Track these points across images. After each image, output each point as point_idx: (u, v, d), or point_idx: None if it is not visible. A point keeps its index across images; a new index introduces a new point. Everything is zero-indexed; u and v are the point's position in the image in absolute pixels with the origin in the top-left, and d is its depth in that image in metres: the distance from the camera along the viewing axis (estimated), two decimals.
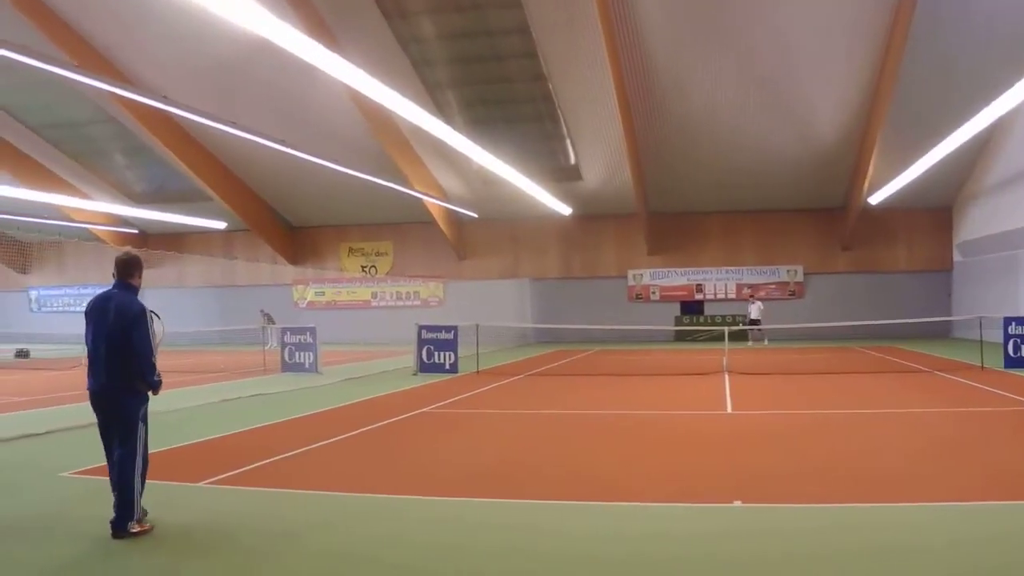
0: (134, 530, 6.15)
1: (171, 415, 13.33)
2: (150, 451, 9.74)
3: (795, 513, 6.80)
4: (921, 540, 5.97)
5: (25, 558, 5.83)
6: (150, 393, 6.50)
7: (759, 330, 31.20)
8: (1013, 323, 19.07)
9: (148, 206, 34.42)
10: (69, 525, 6.72)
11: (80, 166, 34.92)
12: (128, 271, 6.58)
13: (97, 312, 6.44)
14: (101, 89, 18.04)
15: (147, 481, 8.18)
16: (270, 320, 31.45)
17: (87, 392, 6.46)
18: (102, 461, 9.03)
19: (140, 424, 6.43)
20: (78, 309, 38.21)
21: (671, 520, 6.71)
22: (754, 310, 31.93)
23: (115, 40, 26.09)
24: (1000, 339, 19.20)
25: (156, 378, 6.42)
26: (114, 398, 6.35)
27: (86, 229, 37.74)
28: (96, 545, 6.09)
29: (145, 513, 6.38)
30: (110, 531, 6.10)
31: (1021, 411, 12.44)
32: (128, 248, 6.87)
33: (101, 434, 6.54)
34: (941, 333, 33.03)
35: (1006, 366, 18.55)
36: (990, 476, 8.01)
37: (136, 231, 39.99)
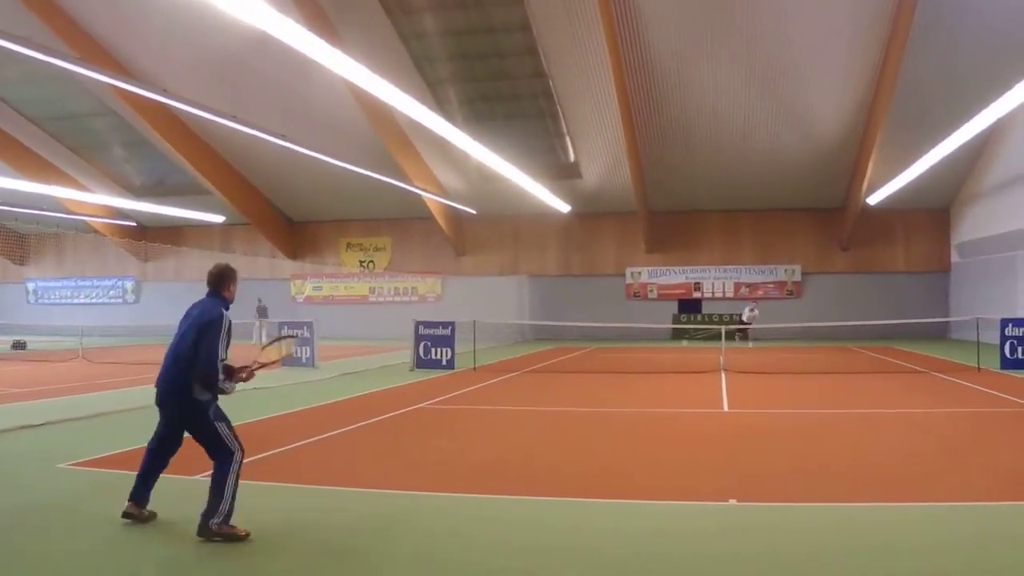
0: (221, 529, 5.92)
1: None
2: (145, 443, 9.82)
3: (790, 512, 6.82)
4: (917, 539, 5.99)
5: (27, 549, 5.84)
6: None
7: (746, 332, 31.03)
8: (1010, 324, 19.10)
9: (147, 199, 34.34)
10: (68, 516, 6.71)
11: (79, 158, 34.89)
12: (218, 282, 6.56)
13: (184, 317, 6.49)
14: (101, 81, 18.07)
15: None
16: (263, 314, 31.32)
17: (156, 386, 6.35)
18: (99, 453, 9.16)
19: (218, 424, 6.22)
20: (76, 301, 38.20)
21: (667, 517, 6.73)
22: (746, 312, 31.84)
23: (116, 33, 26.05)
24: (997, 340, 19.24)
25: (225, 385, 6.28)
26: (175, 403, 6.24)
27: (84, 221, 37.66)
28: (97, 535, 6.10)
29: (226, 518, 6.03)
30: (196, 529, 5.94)
31: (1017, 412, 12.47)
32: (219, 262, 6.79)
33: (161, 427, 6.49)
34: (938, 334, 33.06)
35: (1002, 367, 18.59)
36: (987, 476, 8.05)
37: (134, 224, 39.96)
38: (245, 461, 8.82)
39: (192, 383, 6.09)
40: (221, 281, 6.55)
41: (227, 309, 6.42)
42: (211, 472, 6.14)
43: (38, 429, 11.02)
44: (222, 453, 6.14)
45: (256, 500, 7.26)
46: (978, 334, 20.52)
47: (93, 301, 42.34)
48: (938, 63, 23.66)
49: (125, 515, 6.28)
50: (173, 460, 8.97)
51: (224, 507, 5.92)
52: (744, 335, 30.77)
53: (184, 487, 7.70)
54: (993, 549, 5.72)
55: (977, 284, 30.94)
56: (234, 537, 5.90)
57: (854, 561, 5.50)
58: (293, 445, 9.80)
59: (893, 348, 27.27)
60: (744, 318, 31.55)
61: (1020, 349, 18.82)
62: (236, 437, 6.27)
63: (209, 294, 6.53)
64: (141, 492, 6.43)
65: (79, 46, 24.38)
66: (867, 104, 26.39)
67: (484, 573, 5.42)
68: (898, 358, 23.47)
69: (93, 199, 34.38)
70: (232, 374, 6.42)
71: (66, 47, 23.18)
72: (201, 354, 6.08)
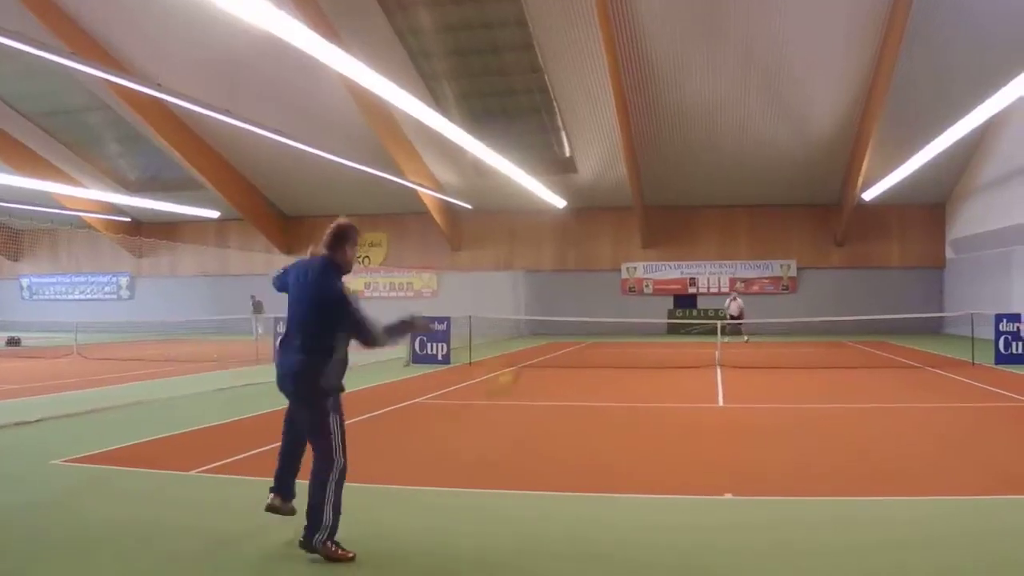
0: (326, 548, 5.35)
1: (162, 403, 13.36)
2: (144, 439, 9.84)
3: (786, 506, 6.83)
4: (914, 534, 6.00)
5: (22, 546, 5.83)
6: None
7: (740, 326, 30.90)
8: (1004, 320, 19.19)
9: (142, 194, 34.28)
10: (63, 513, 6.70)
11: (74, 154, 34.81)
12: (334, 242, 5.79)
13: (295, 278, 5.72)
14: (96, 76, 17.98)
15: (141, 469, 8.24)
16: (259, 309, 31.32)
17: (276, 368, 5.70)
18: (94, 449, 9.16)
19: (332, 415, 5.49)
20: (70, 297, 38.11)
21: (662, 511, 6.74)
22: (734, 307, 31.59)
23: (110, 28, 25.98)
24: (991, 336, 19.30)
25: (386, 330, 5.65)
26: (297, 383, 5.55)
27: (79, 217, 37.61)
28: (93, 532, 6.10)
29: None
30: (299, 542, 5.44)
31: (1012, 407, 12.51)
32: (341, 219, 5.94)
33: (288, 426, 6.04)
34: (933, 329, 33.13)
35: (997, 362, 18.68)
36: (983, 471, 8.07)
37: (129, 219, 39.89)
38: (249, 454, 8.93)
39: (317, 363, 5.42)
40: (336, 241, 5.75)
41: (339, 278, 5.64)
42: (309, 480, 5.48)
43: (33, 425, 11.00)
44: (323, 449, 5.45)
45: (252, 496, 7.26)
46: (972, 329, 20.56)
47: (88, 297, 42.25)
48: (933, 59, 23.69)
49: (268, 508, 5.82)
50: (168, 456, 8.97)
51: (328, 520, 5.33)
52: (737, 330, 30.62)
53: (177, 482, 7.71)
54: (990, 544, 5.74)
55: (972, 280, 30.99)
56: (336, 558, 5.33)
57: (851, 555, 5.51)
58: None
59: (888, 343, 27.33)
60: (733, 312, 31.25)
61: (1015, 344, 18.91)
62: (344, 445, 5.52)
63: (322, 257, 5.73)
64: (284, 483, 5.90)
65: (73, 41, 24.32)
66: (862, 100, 26.41)
67: (480, 567, 5.42)
68: (893, 353, 23.51)
69: (87, 195, 34.35)
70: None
71: (60, 42, 23.12)
72: (353, 327, 5.48)
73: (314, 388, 5.45)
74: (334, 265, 5.68)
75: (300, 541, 5.40)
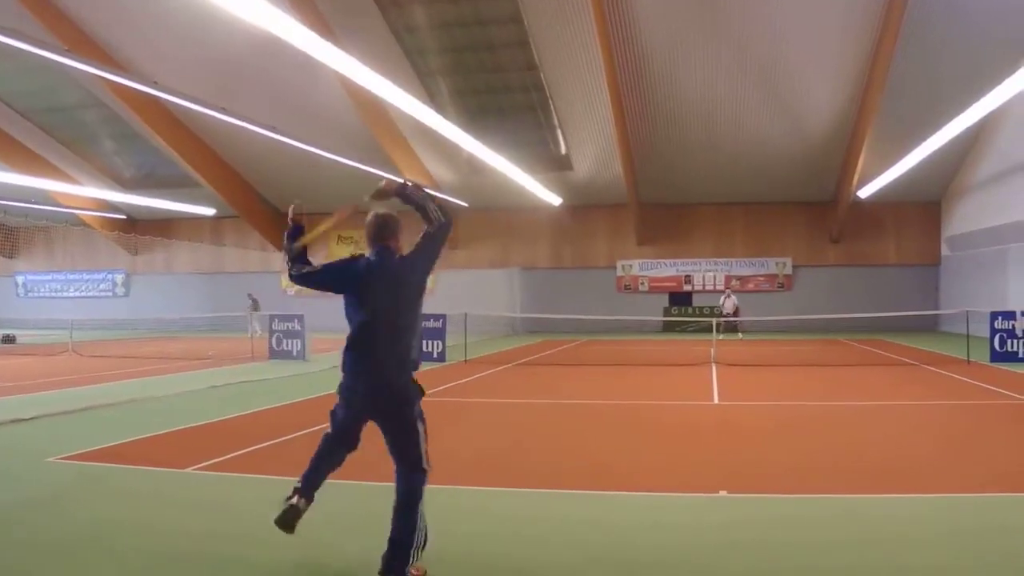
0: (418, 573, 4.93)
1: (157, 401, 13.34)
2: (139, 436, 9.84)
3: (780, 504, 6.83)
4: (910, 531, 6.00)
5: (16, 543, 5.82)
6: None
7: (736, 323, 31.08)
8: (999, 317, 19.23)
9: (137, 192, 34.23)
10: (58, 510, 6.69)
11: (69, 151, 34.72)
12: (383, 233, 5.35)
13: (363, 282, 5.17)
14: (91, 74, 17.97)
15: (136, 467, 8.24)
16: (255, 307, 31.35)
17: (348, 392, 5.16)
18: (89, 447, 9.13)
19: (420, 423, 5.20)
20: (66, 295, 38.05)
21: (656, 509, 6.74)
22: (728, 305, 31.83)
23: (106, 25, 25.90)
24: (987, 333, 19.34)
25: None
26: (393, 390, 5.10)
27: (74, 214, 37.56)
28: (87, 529, 6.09)
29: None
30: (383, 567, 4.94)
31: (1008, 404, 12.53)
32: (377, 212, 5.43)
33: (343, 438, 5.38)
34: (929, 327, 33.16)
35: (992, 360, 18.71)
36: (980, 468, 8.09)
37: (124, 217, 39.78)
38: (244, 452, 8.93)
39: (408, 367, 5.14)
40: (385, 231, 5.34)
41: None
42: (395, 500, 5.06)
43: (28, 423, 10.98)
44: (415, 460, 5.08)
45: (248, 493, 7.26)
46: (968, 327, 20.61)
47: (83, 294, 42.19)
48: (929, 57, 23.70)
49: (290, 512, 5.21)
50: (163, 454, 8.96)
51: (420, 538, 4.95)
52: (733, 328, 30.76)
53: (173, 480, 7.70)
54: (986, 541, 5.75)
55: (967, 277, 31.04)
56: None
57: (846, 552, 5.52)
58: (284, 437, 9.79)
59: (883, 341, 27.36)
60: (728, 310, 31.52)
61: (1010, 342, 18.94)
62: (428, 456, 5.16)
63: (378, 252, 5.26)
64: (314, 488, 5.39)
65: (69, 39, 24.25)
66: (858, 97, 26.42)
67: (473, 565, 5.43)
68: (888, 351, 23.55)
69: (83, 192, 34.29)
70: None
71: (56, 40, 23.06)
72: (417, 324, 5.21)
73: (413, 394, 5.19)
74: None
75: (387, 568, 4.88)
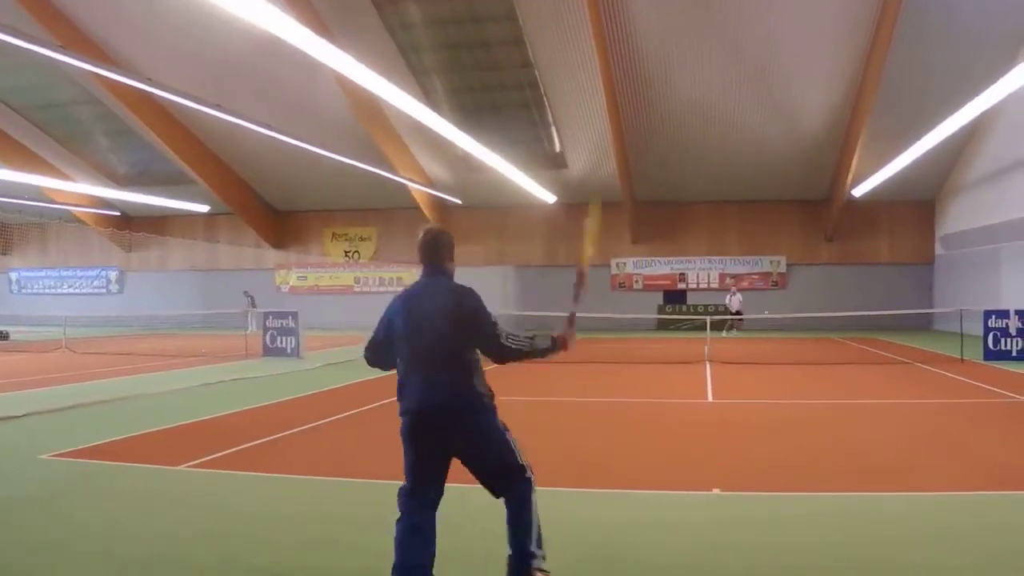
0: None
1: (151, 398, 13.32)
2: (132, 434, 9.81)
3: (774, 501, 6.85)
4: (904, 529, 6.02)
5: (8, 541, 5.81)
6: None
7: (740, 320, 31.30)
8: (993, 316, 19.29)
9: (131, 188, 34.16)
10: (51, 507, 6.67)
11: (63, 147, 34.63)
12: (438, 251, 4.99)
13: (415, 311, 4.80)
14: (85, 70, 17.94)
15: (130, 464, 8.22)
16: (252, 303, 31.36)
17: (407, 412, 4.64)
18: (82, 444, 9.11)
19: (508, 432, 4.87)
20: (59, 291, 37.88)
21: (650, 507, 6.75)
22: (735, 302, 32.02)
23: (100, 21, 25.82)
24: (980, 332, 19.39)
25: (545, 344, 5.06)
26: (461, 416, 4.66)
27: (68, 211, 37.47)
28: (80, 526, 6.08)
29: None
30: None
31: (1001, 403, 12.57)
32: (430, 227, 5.08)
33: (417, 471, 4.68)
34: (922, 325, 33.23)
35: (985, 358, 18.77)
36: (973, 466, 8.13)
37: (118, 213, 39.72)
38: (237, 449, 8.92)
39: (472, 380, 4.72)
40: (443, 250, 5.01)
41: None
42: (506, 514, 4.71)
43: (21, 420, 10.97)
44: (517, 473, 4.74)
45: (241, 491, 7.25)
46: (961, 325, 20.66)
47: (77, 291, 42.08)
48: (923, 56, 23.72)
49: None
50: (156, 451, 8.95)
51: (539, 548, 4.63)
52: (736, 325, 31.11)
53: (165, 477, 7.69)
54: (978, 539, 5.77)
55: (961, 276, 31.09)
56: None
57: (840, 550, 5.53)
58: (278, 435, 9.78)
59: (877, 339, 27.40)
60: (735, 309, 31.78)
61: (1003, 340, 19.01)
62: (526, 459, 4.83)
63: (430, 272, 4.99)
64: None
65: (62, 34, 24.18)
66: (852, 96, 26.44)
67: (465, 562, 5.42)
68: (882, 349, 23.59)
69: (77, 188, 34.18)
70: (570, 322, 5.31)
71: (49, 35, 23.00)
72: (493, 347, 4.74)
73: (480, 403, 4.81)
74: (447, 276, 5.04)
75: None
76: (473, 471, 4.72)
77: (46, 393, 13.85)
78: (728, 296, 32.95)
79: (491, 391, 4.80)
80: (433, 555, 4.54)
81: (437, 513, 4.69)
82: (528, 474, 4.74)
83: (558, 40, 24.83)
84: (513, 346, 4.78)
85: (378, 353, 4.94)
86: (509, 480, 4.69)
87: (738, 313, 31.58)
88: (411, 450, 4.62)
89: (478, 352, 4.74)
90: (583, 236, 5.50)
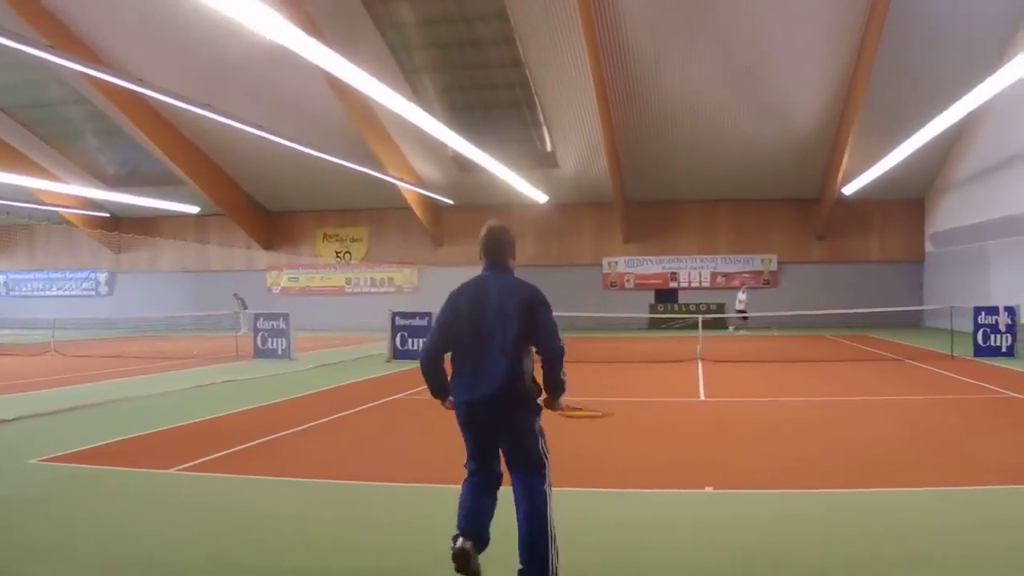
0: None
1: (142, 401, 13.26)
2: (122, 437, 9.77)
3: (767, 499, 6.85)
4: (898, 525, 6.01)
5: (3, 545, 5.79)
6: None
7: (743, 318, 31.38)
8: (983, 313, 19.38)
9: (120, 189, 33.99)
10: (42, 512, 6.63)
11: (52, 148, 34.49)
12: (502, 248, 5.10)
13: (478, 302, 4.91)
14: (75, 70, 17.86)
15: (120, 468, 8.17)
16: (243, 305, 31.28)
17: (461, 404, 4.88)
18: (72, 448, 9.06)
19: (541, 436, 4.97)
20: (48, 294, 37.64)
21: (643, 505, 6.75)
22: (738, 302, 32.10)
23: (89, 20, 25.70)
24: (970, 328, 19.46)
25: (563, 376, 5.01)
26: (514, 407, 4.82)
27: (56, 212, 37.32)
28: (72, 531, 6.04)
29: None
30: None
31: (992, 399, 12.63)
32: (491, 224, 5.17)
33: (477, 453, 5.00)
34: (913, 322, 33.35)
35: (975, 355, 18.86)
36: (964, 462, 8.17)
37: (108, 215, 39.58)
38: (229, 452, 8.87)
39: (523, 377, 4.85)
40: (506, 247, 5.12)
41: None
42: (522, 515, 4.82)
43: (9, 424, 10.89)
44: (540, 471, 4.93)
45: (232, 494, 7.21)
46: (951, 322, 20.75)
47: (66, 293, 41.91)
48: (913, 55, 23.80)
49: (459, 554, 4.77)
50: (147, 454, 8.92)
51: (555, 561, 4.71)
52: (741, 322, 31.35)
53: (156, 481, 7.66)
54: (968, 534, 5.77)
55: (950, 273, 31.22)
56: None
57: (834, 546, 5.53)
58: (270, 437, 9.74)
59: (868, 336, 27.48)
60: (741, 306, 31.96)
61: (993, 337, 19.10)
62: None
63: (492, 267, 5.09)
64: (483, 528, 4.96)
65: (52, 34, 24.05)
66: (843, 95, 26.52)
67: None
68: (873, 346, 23.65)
69: (65, 189, 34.02)
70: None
71: (38, 35, 22.88)
72: (551, 345, 4.88)
73: (527, 396, 4.95)
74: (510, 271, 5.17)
75: None
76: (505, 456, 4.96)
77: (35, 397, 13.77)
78: (740, 293, 33.11)
79: (539, 389, 4.96)
80: (493, 509, 4.97)
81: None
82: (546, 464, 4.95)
83: (549, 39, 24.83)
84: (563, 353, 4.92)
85: (436, 360, 5.01)
86: (526, 465, 4.88)
87: (743, 311, 31.65)
88: (467, 435, 4.96)
89: (532, 351, 4.91)
90: (573, 411, 5.63)
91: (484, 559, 4.79)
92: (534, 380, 4.94)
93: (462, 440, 5.00)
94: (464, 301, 4.93)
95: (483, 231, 5.12)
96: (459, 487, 5.00)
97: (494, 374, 4.72)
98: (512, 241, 5.14)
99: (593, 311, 31.55)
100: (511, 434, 4.86)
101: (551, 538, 4.72)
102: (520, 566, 4.71)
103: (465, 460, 5.02)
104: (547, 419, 4.99)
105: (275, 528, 6.11)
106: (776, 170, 31.88)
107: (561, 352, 4.89)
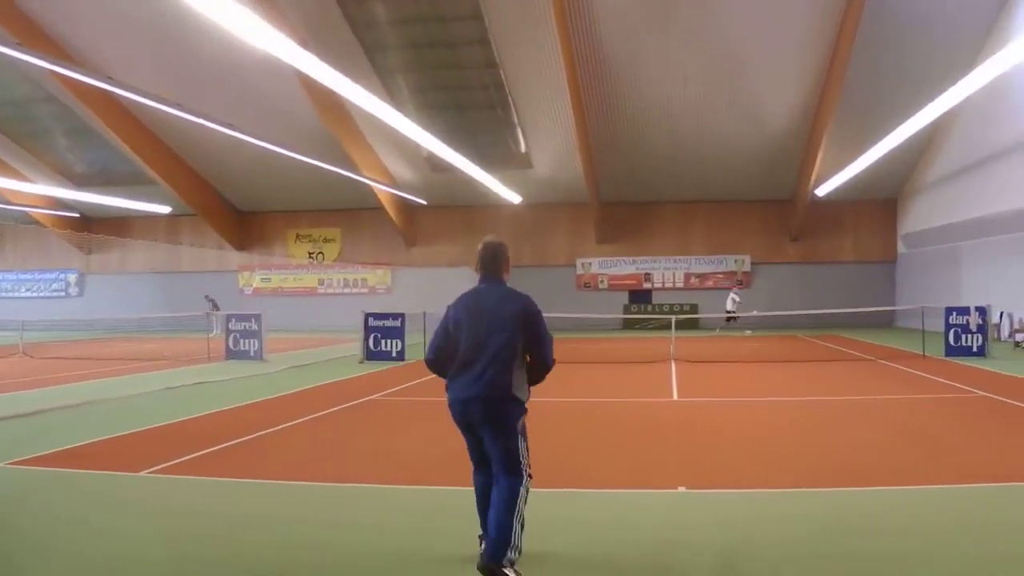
0: (516, 571, 4.93)
1: (112, 403, 13.11)
2: (92, 440, 9.64)
3: (740, 498, 6.85)
4: (871, 523, 6.03)
5: None
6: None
7: (735, 320, 31.36)
8: (954, 313, 19.55)
9: (90, 189, 33.65)
10: (9, 516, 6.54)
11: (19, 147, 34.09)
12: (499, 262, 5.57)
13: (467, 313, 5.35)
14: (44, 68, 17.62)
15: (90, 471, 8.07)
16: (215, 307, 31.06)
17: (455, 402, 5.28)
18: (40, 451, 8.94)
19: (521, 438, 5.34)
20: (17, 295, 37.19)
21: (616, 505, 6.74)
22: (729, 302, 32.18)
23: (58, 17, 25.40)
24: (942, 328, 19.63)
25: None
26: (498, 404, 5.19)
27: (25, 212, 36.89)
28: (39, 536, 5.95)
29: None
30: (482, 561, 4.97)
31: (963, 397, 12.75)
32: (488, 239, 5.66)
33: (474, 449, 5.46)
34: (885, 322, 33.63)
35: (947, 354, 19.03)
36: (936, 460, 8.25)
37: (77, 215, 39.16)
38: (200, 454, 8.77)
39: (512, 381, 5.22)
40: (501, 261, 5.58)
41: None
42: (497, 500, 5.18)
43: None
44: (516, 469, 5.26)
45: (202, 497, 7.13)
46: (923, 322, 20.92)
47: (35, 294, 41.47)
48: (886, 58, 24.05)
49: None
50: (117, 456, 8.81)
51: (517, 540, 5.02)
52: (736, 324, 31.55)
53: (126, 484, 7.56)
54: (940, 532, 5.81)
55: (922, 274, 31.53)
56: None
57: (807, 545, 5.54)
58: (242, 439, 9.65)
59: (841, 336, 27.70)
60: (729, 308, 31.91)
61: (964, 337, 19.30)
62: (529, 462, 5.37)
63: (488, 279, 5.55)
64: None
65: (19, 30, 23.79)
66: (816, 98, 26.73)
67: (437, 563, 5.37)
68: (846, 346, 23.83)
69: (34, 189, 33.64)
70: None
71: (5, 31, 22.62)
72: (544, 352, 5.36)
73: (514, 401, 5.33)
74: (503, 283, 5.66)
75: (484, 562, 4.94)
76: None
77: (3, 399, 13.59)
78: (733, 295, 33.10)
79: (528, 396, 5.40)
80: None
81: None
82: (524, 473, 5.30)
83: (523, 40, 24.83)
84: (551, 368, 5.45)
85: (441, 356, 5.47)
86: (507, 467, 5.25)
87: (732, 312, 31.66)
88: (463, 432, 5.42)
89: (527, 359, 5.35)
90: None
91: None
92: (524, 385, 5.35)
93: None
94: (463, 310, 5.37)
95: (481, 246, 5.57)
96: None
97: (487, 377, 5.12)
98: (507, 255, 5.60)
99: (567, 312, 31.55)
100: (497, 435, 5.22)
101: (518, 529, 5.06)
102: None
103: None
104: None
105: (248, 530, 6.04)
106: (750, 171, 32.06)
107: (551, 367, 5.41)
